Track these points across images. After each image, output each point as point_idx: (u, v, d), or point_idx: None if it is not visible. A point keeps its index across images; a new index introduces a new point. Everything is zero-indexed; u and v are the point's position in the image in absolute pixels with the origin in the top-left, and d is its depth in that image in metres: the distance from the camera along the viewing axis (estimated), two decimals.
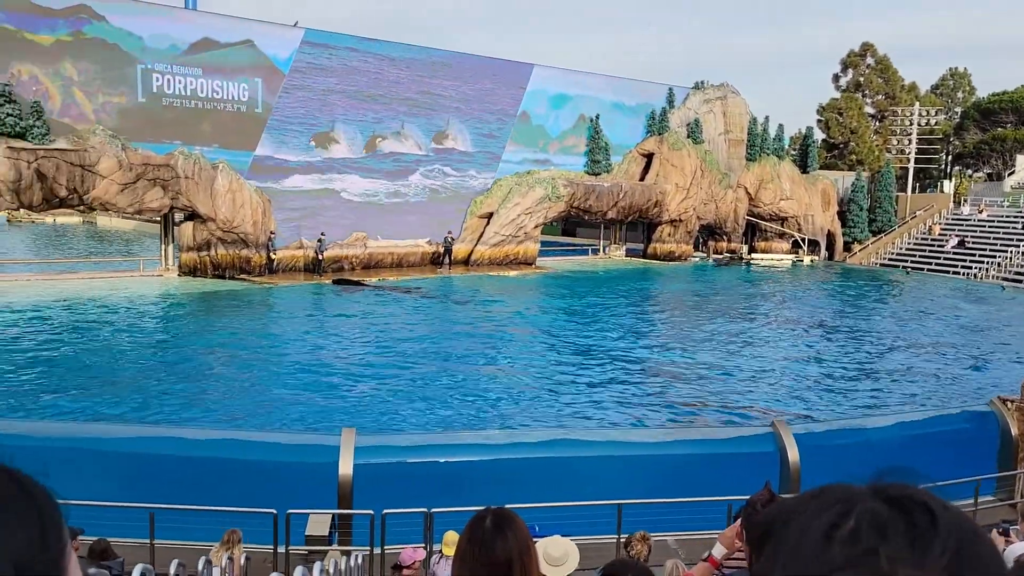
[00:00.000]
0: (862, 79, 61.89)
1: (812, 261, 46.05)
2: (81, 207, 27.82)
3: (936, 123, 54.35)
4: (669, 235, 43.57)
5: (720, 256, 45.50)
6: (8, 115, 25.56)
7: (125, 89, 28.32)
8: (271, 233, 30.86)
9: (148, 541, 8.49)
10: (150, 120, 28.71)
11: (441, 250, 35.78)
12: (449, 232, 35.79)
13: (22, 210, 27.93)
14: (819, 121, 59.82)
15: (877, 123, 62.09)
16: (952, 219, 48.26)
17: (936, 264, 43.78)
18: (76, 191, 26.23)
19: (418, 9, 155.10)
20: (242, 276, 29.88)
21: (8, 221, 54.17)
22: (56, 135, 26.51)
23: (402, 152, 35.33)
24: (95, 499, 7.90)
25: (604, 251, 45.66)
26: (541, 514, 8.29)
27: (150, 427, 12.13)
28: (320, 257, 31.73)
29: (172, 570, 6.93)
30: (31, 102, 26.14)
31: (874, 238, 48.53)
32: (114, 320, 22.54)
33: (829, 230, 47.97)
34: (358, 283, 30.24)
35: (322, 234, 32.02)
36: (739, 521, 3.87)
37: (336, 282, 30.33)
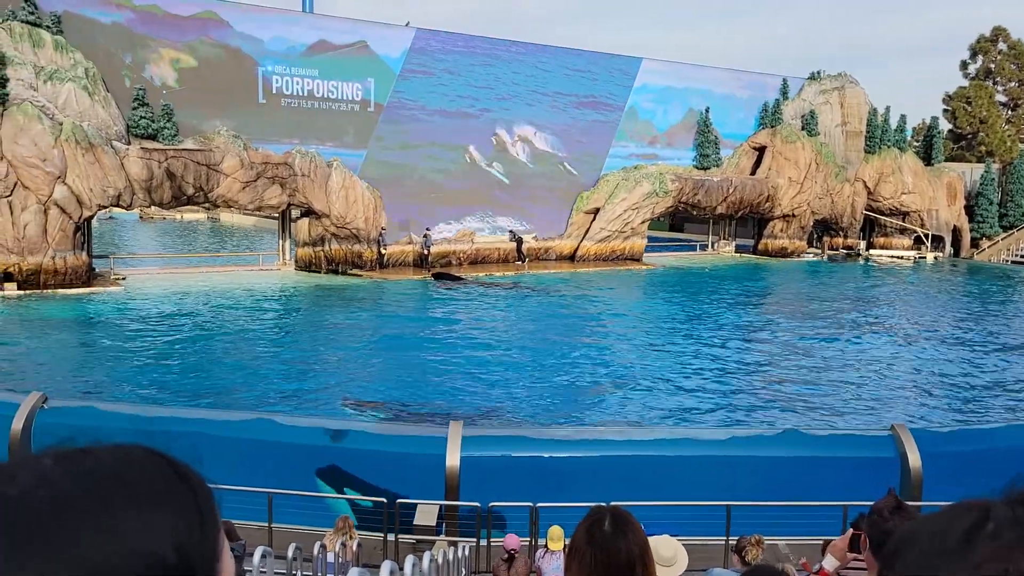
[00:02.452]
0: (993, 66, 58.25)
1: (936, 258, 43.74)
2: (206, 204, 29.29)
3: None
4: (781, 231, 42.26)
5: (836, 252, 43.81)
6: (142, 118, 27.20)
7: (247, 90, 29.64)
8: (382, 229, 31.67)
9: (267, 524, 8.87)
10: (269, 120, 29.94)
11: (514, 246, 35.52)
12: (511, 230, 35.48)
13: (153, 207, 29.61)
14: (945, 111, 56.69)
15: (1009, 112, 58.36)
16: None
17: None
18: (202, 189, 27.63)
19: (523, 3, 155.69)
20: (354, 271, 30.80)
21: (140, 218, 57.68)
22: (184, 136, 28.02)
23: (510, 149, 35.59)
24: (218, 482, 8.31)
25: (713, 247, 44.70)
26: (647, 512, 8.22)
27: (268, 414, 12.65)
28: (426, 253, 32.32)
29: (290, 553, 7.24)
30: (162, 104, 27.71)
31: (1005, 234, 45.67)
32: (237, 312, 23.65)
33: (955, 225, 45.45)
34: (456, 278, 30.51)
35: (427, 230, 32.63)
36: (849, 532, 3.72)
37: (435, 276, 30.74)
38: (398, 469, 10.24)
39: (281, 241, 32.83)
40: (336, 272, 30.72)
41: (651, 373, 17.91)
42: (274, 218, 33.56)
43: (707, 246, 44.74)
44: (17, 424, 10.47)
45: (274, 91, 30.18)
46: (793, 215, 41.78)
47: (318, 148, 30.53)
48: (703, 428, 13.62)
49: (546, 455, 10.31)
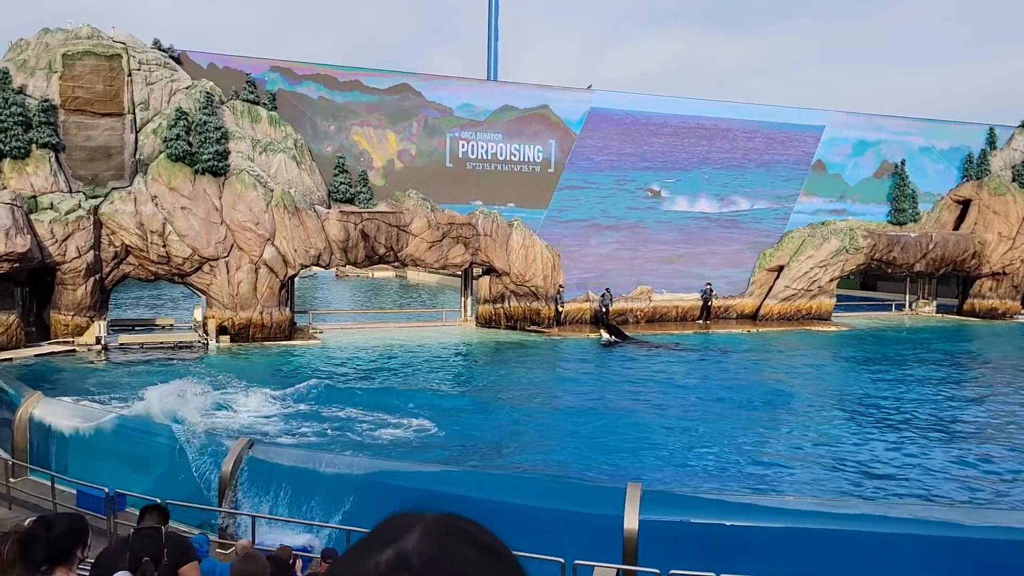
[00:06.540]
0: None
1: None
2: (395, 263, 30.95)
3: None
4: (990, 290, 38.87)
5: None
6: (341, 183, 29.39)
7: (436, 155, 31.35)
8: (559, 287, 32.12)
9: None
10: (455, 182, 31.42)
11: (700, 303, 34.77)
12: (708, 284, 34.76)
13: (348, 266, 31.68)
14: None
15: None
16: None
17: None
18: (392, 249, 29.29)
19: (705, 60, 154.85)
20: (532, 327, 31.33)
21: (336, 276, 61.89)
22: (378, 199, 29.93)
23: (688, 209, 35.25)
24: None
25: (910, 307, 41.76)
26: None
27: (446, 466, 13.00)
28: (604, 311, 32.29)
29: None
30: (359, 171, 29.85)
31: None
32: (422, 365, 24.65)
33: None
34: (625, 336, 29.91)
35: (607, 289, 32.72)
36: None
37: (607, 328, 30.26)
38: (571, 528, 10.17)
39: (463, 298, 34.04)
40: (514, 328, 31.37)
41: (835, 441, 16.83)
42: (457, 276, 34.90)
43: (903, 306, 41.88)
44: (227, 466, 11.39)
45: (460, 155, 31.70)
46: (1004, 273, 38.38)
47: (500, 208, 31.63)
48: (898, 504, 12.58)
49: (728, 523, 9.91)
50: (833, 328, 34.65)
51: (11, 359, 22.40)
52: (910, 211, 38.70)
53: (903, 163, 38.65)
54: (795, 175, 37.08)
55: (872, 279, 47.10)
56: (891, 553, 9.33)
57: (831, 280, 35.98)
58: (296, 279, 30.19)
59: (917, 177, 38.97)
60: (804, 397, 21.31)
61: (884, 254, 36.61)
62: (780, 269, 35.84)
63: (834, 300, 36.54)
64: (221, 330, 26.56)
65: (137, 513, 10.37)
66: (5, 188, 24.10)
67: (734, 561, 9.39)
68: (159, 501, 11.04)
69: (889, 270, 38.23)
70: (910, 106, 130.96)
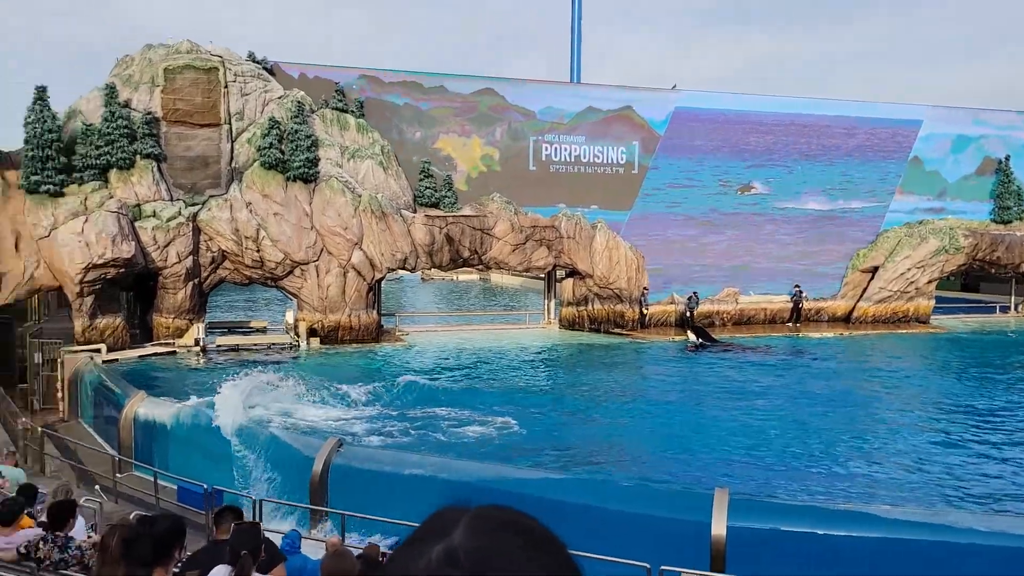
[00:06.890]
0: None
1: None
2: (479, 266, 31.22)
3: None
4: None
5: None
6: (427, 188, 29.84)
7: (520, 158, 31.50)
8: (644, 289, 31.81)
9: None
10: (539, 185, 31.50)
11: (790, 305, 33.86)
12: (796, 285, 33.79)
13: (433, 269, 32.12)
14: None
15: None
16: None
17: None
18: (476, 252, 29.57)
19: (796, 59, 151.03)
20: (616, 330, 31.12)
21: (422, 279, 62.91)
22: (462, 203, 30.27)
23: (777, 206, 34.42)
24: None
25: (1016, 309, 39.70)
26: None
27: (527, 470, 13.04)
28: (689, 314, 31.75)
29: None
30: (443, 175, 30.26)
31: None
32: (506, 367, 24.80)
33: None
34: (712, 339, 29.29)
35: (694, 292, 32.22)
36: None
37: (694, 329, 29.73)
38: (658, 533, 10.07)
39: (546, 301, 34.08)
40: (598, 331, 31.22)
41: (939, 449, 16.14)
42: (540, 278, 34.95)
43: (1008, 308, 39.84)
44: (317, 466, 11.71)
45: (543, 158, 31.77)
46: None
47: (583, 211, 31.55)
48: (1000, 516, 11.99)
49: (820, 531, 9.63)
50: (931, 331, 33.26)
51: (117, 360, 23.57)
52: (1015, 209, 36.84)
53: (1007, 158, 36.82)
54: (892, 172, 35.77)
55: (974, 280, 45.01)
56: (990, 566, 8.91)
57: (929, 281, 34.56)
58: (383, 282, 30.78)
59: (1023, 172, 37.08)
60: (899, 403, 20.54)
61: (987, 254, 34.95)
62: (874, 270, 34.62)
63: (932, 302, 35.08)
64: (311, 332, 27.32)
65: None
66: (112, 197, 25.38)
67: (825, 571, 9.14)
68: (253, 498, 11.44)
69: (993, 271, 36.48)
70: (1014, 98, 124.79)
